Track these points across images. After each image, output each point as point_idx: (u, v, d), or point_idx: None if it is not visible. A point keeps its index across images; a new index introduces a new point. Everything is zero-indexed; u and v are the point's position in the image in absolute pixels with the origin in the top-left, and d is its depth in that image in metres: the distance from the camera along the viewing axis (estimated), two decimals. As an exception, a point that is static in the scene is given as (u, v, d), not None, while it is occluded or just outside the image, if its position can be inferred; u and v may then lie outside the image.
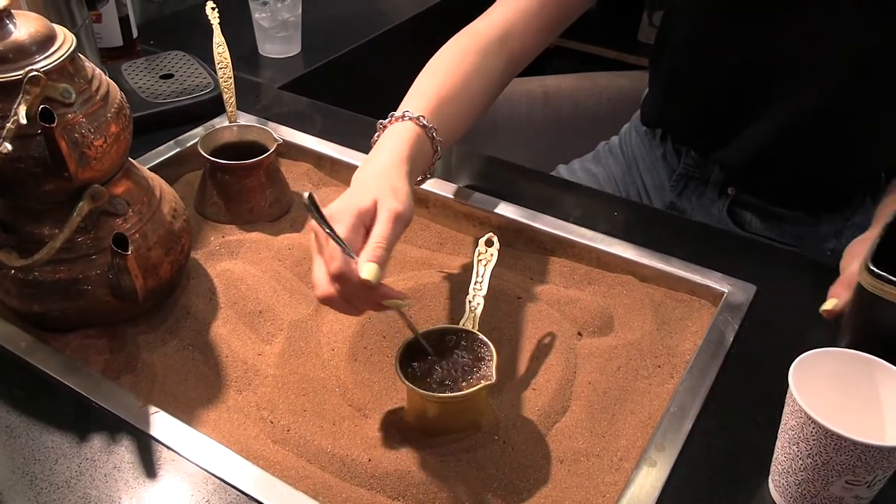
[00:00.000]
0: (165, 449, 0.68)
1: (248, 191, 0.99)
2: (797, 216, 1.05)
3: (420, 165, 0.82)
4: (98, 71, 0.76)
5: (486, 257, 0.80)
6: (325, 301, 0.68)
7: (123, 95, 0.78)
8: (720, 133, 1.04)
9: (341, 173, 1.08)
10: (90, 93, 0.73)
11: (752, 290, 0.86)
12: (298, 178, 1.09)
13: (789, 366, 0.60)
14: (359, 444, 0.72)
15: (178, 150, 1.08)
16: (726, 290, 0.86)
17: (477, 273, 0.79)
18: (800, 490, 0.61)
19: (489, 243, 0.81)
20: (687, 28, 1.05)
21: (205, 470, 0.66)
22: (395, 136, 0.80)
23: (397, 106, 0.85)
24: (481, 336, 0.73)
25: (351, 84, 1.47)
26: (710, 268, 0.88)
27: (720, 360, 0.77)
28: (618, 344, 0.83)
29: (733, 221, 1.09)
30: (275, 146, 0.99)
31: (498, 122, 1.72)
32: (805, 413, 0.57)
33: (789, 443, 0.60)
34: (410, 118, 0.81)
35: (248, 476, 0.66)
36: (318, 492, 0.68)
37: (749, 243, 0.98)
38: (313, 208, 0.64)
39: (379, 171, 0.75)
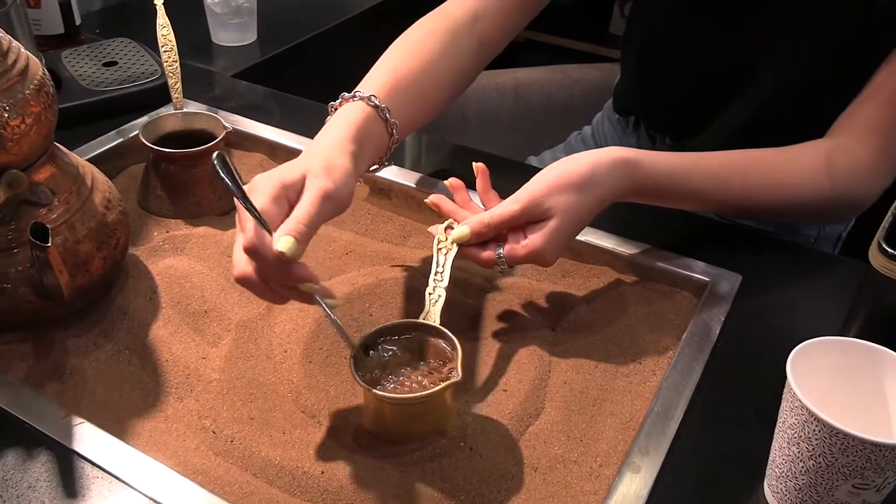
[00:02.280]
0: (89, 465, 0.60)
1: (195, 182, 0.91)
2: None
3: (370, 148, 0.76)
4: (16, 44, 0.68)
5: (447, 245, 0.74)
6: (242, 281, 0.61)
7: (47, 72, 0.71)
8: (692, 121, 1.00)
9: (297, 163, 1.01)
10: (5, 66, 0.65)
11: (737, 279, 0.80)
12: (252, 170, 1.01)
13: (783, 359, 0.54)
14: (311, 454, 0.65)
15: (120, 140, 1.00)
16: (710, 280, 0.80)
17: (437, 263, 0.72)
18: (800, 496, 0.55)
19: (449, 229, 0.74)
20: (651, 26, 1.03)
21: (132, 488, 0.59)
22: (343, 117, 0.73)
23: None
24: (443, 330, 0.66)
25: (309, 73, 1.40)
26: (692, 257, 0.82)
27: (706, 354, 0.71)
28: (595, 340, 0.76)
29: (712, 210, 1.03)
30: (223, 133, 0.92)
31: (468, 115, 1.66)
32: (806, 409, 0.51)
33: (788, 443, 0.54)
34: (361, 98, 0.75)
35: (184, 494, 0.59)
36: (264, 509, 0.60)
37: (731, 230, 0.92)
38: (223, 170, 0.57)
39: (318, 150, 0.69)
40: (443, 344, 0.66)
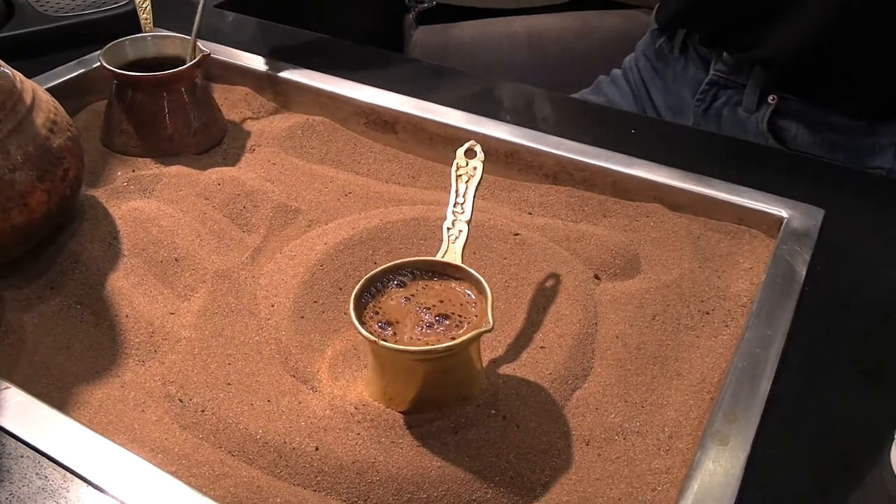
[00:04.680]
0: (13, 441, 0.47)
1: (167, 114, 0.77)
2: (851, 125, 0.86)
3: None
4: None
5: (468, 171, 0.60)
6: None
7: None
8: (759, 24, 0.85)
9: (288, 97, 0.87)
10: None
11: (819, 214, 0.66)
12: (235, 105, 0.87)
13: (888, 302, 0.40)
14: (303, 427, 0.51)
15: (81, 70, 0.86)
16: (786, 216, 0.66)
17: (457, 192, 0.58)
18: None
19: (470, 154, 0.60)
20: None
21: (67, 469, 0.45)
22: None
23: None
24: (467, 270, 0.52)
25: (300, 4, 1.25)
26: (761, 189, 0.68)
27: (793, 300, 0.57)
28: (649, 287, 0.63)
29: (774, 137, 0.89)
30: (200, 56, 0.78)
31: (478, 66, 1.51)
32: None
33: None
34: None
35: (136, 478, 0.45)
36: (242, 496, 0.47)
37: (803, 161, 0.78)
38: None
39: None
40: (466, 288, 0.52)
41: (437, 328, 0.50)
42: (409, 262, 0.54)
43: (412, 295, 0.52)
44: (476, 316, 0.50)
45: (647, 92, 1.04)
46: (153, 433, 0.51)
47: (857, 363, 0.52)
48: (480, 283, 0.51)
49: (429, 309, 0.51)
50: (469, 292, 0.52)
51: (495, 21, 1.61)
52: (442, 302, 0.52)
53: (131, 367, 0.57)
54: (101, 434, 0.47)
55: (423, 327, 0.50)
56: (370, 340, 0.48)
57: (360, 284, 0.51)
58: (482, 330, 0.47)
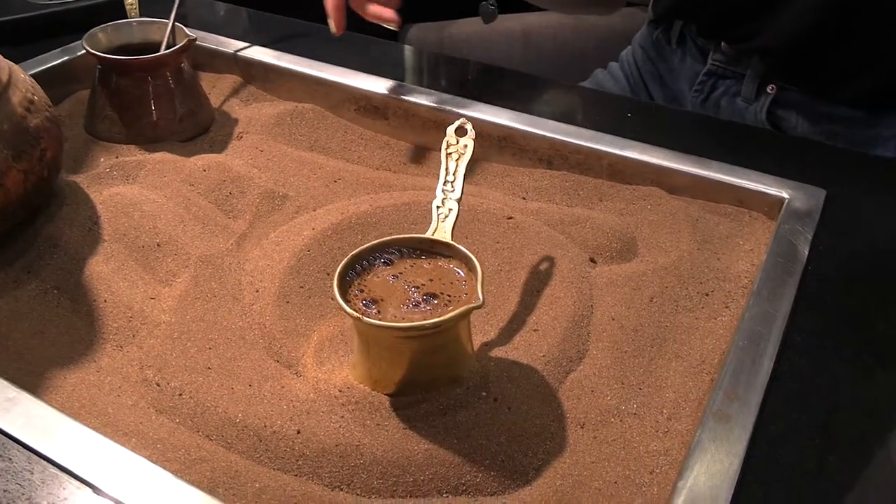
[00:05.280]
0: (-23, 425, 0.44)
1: (152, 99, 0.76)
2: (853, 116, 0.83)
3: None
4: None
5: (458, 149, 0.58)
6: None
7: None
8: (757, 14, 0.83)
9: (277, 85, 0.85)
10: None
11: (820, 194, 0.64)
12: (223, 92, 0.85)
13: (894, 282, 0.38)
14: (284, 410, 0.49)
15: (66, 58, 0.84)
16: (787, 196, 0.64)
17: (446, 171, 0.56)
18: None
19: (461, 132, 0.58)
20: None
21: (32, 451, 0.43)
22: None
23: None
24: (456, 247, 0.50)
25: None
26: (760, 170, 0.66)
27: (796, 278, 0.55)
28: (646, 270, 0.61)
29: (773, 128, 0.87)
30: (186, 41, 0.76)
31: (473, 65, 1.50)
32: None
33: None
34: None
35: (106, 461, 0.43)
36: (218, 481, 0.45)
37: (802, 144, 0.76)
38: None
39: None
40: (456, 266, 0.50)
41: (425, 307, 0.47)
42: (397, 239, 0.52)
43: (400, 273, 0.50)
44: (466, 294, 0.48)
45: (644, 84, 1.02)
46: (127, 417, 0.49)
47: (863, 342, 0.50)
48: (471, 260, 0.49)
49: (417, 288, 0.49)
50: (459, 271, 0.50)
51: (491, 19, 1.60)
52: (431, 281, 0.49)
53: (108, 352, 0.55)
54: (71, 416, 0.45)
55: (409, 306, 0.48)
56: (353, 317, 0.45)
57: (344, 261, 0.49)
58: (472, 305, 0.45)
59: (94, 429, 0.45)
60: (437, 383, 0.49)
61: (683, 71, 0.96)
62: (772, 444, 0.43)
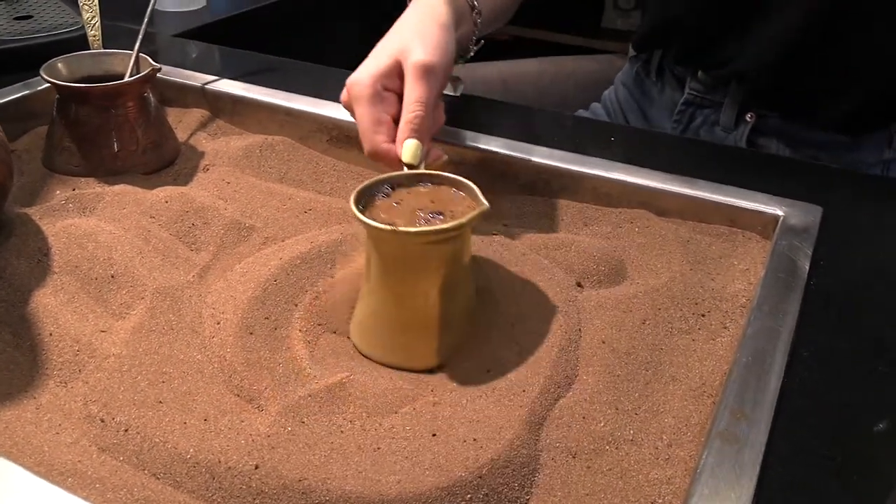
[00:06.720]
0: None
1: (113, 129, 0.72)
2: (833, 140, 0.81)
3: (459, 28, 0.66)
4: None
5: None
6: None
7: None
8: (730, 39, 0.82)
9: (247, 117, 0.82)
10: None
11: (817, 211, 0.61)
12: (189, 126, 0.82)
13: None
14: (242, 444, 0.44)
15: (25, 92, 0.80)
16: (782, 214, 0.60)
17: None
18: None
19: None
20: None
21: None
22: None
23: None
24: (447, 175, 0.53)
25: (259, 39, 1.21)
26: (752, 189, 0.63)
27: (799, 294, 0.51)
28: (637, 292, 0.57)
29: (754, 155, 0.85)
30: (149, 69, 0.73)
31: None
32: None
33: None
34: None
35: (36, 502, 0.37)
36: (164, 524, 0.39)
37: (791, 164, 0.73)
38: None
39: (405, 25, 0.62)
40: (449, 187, 0.53)
41: (435, 223, 0.49)
42: (385, 177, 0.53)
43: (401, 200, 0.52)
44: (470, 208, 0.50)
45: (624, 118, 1.00)
46: (65, 456, 0.43)
47: (877, 355, 0.46)
48: (461, 181, 0.52)
49: (421, 209, 0.50)
50: (455, 190, 0.53)
51: (468, 67, 1.59)
52: (433, 202, 0.51)
53: (50, 389, 0.50)
54: (1, 455, 0.39)
55: (420, 223, 0.49)
56: (386, 230, 0.46)
57: (353, 195, 0.50)
58: (481, 209, 0.48)
59: (26, 468, 0.39)
60: (454, 322, 0.50)
61: (663, 101, 0.94)
62: (785, 464, 0.39)
